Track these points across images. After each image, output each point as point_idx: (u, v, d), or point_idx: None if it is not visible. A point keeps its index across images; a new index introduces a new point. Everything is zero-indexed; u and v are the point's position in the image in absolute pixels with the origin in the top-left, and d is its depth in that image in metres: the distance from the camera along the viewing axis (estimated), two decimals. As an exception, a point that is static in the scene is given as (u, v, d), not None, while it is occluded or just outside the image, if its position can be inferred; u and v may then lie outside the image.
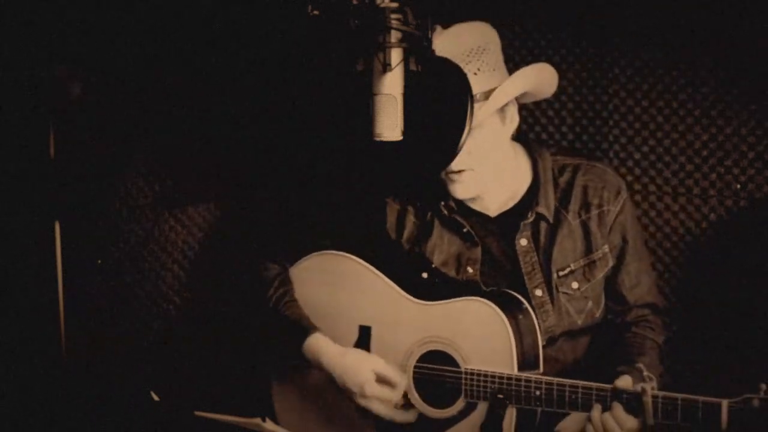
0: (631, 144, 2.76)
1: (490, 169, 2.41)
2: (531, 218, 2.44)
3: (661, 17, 2.68)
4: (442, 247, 2.50)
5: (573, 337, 2.47)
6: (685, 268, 2.67)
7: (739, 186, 2.67)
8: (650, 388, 2.12)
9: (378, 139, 2.16)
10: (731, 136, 2.67)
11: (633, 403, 2.15)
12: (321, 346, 2.46)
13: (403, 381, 2.41)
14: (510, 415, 2.31)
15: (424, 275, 2.50)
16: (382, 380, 2.40)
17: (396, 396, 2.40)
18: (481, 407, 2.34)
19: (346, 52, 2.16)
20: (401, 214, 2.55)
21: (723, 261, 2.69)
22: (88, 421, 2.98)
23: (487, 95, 2.32)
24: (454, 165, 2.36)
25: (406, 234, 2.53)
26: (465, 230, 2.48)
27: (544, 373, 2.31)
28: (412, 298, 2.45)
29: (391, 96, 2.13)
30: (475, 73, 2.31)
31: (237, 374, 3.03)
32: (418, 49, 2.13)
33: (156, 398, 2.26)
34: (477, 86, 2.30)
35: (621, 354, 2.42)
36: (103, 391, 3.01)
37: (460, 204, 2.50)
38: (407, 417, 2.43)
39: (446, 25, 2.40)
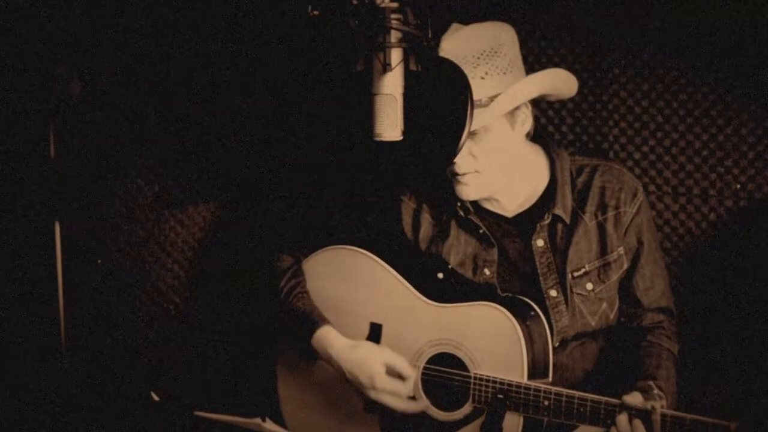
0: (631, 144, 2.76)
1: (498, 172, 2.40)
2: (548, 220, 2.43)
3: (661, 17, 2.68)
4: (458, 248, 2.49)
5: (585, 342, 2.46)
6: (685, 268, 2.67)
7: (739, 186, 2.67)
8: (660, 406, 2.13)
9: (378, 139, 2.16)
10: (731, 136, 2.67)
11: (641, 420, 2.15)
12: (330, 338, 2.45)
13: (414, 373, 2.41)
14: (517, 423, 2.31)
15: (440, 275, 2.49)
16: (392, 373, 2.40)
17: (407, 389, 2.39)
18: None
19: (346, 52, 2.16)
20: (416, 212, 2.54)
21: (723, 261, 2.69)
22: (88, 421, 2.98)
23: (493, 99, 2.30)
24: (459, 168, 2.35)
25: (422, 233, 2.53)
26: (481, 231, 2.47)
27: (555, 381, 2.31)
28: (425, 298, 2.45)
29: (391, 96, 2.13)
30: (483, 77, 2.30)
31: (237, 374, 3.04)
32: (418, 49, 2.13)
33: (156, 398, 2.26)
34: (483, 91, 2.29)
35: (638, 366, 2.40)
36: (103, 391, 3.01)
37: (476, 205, 2.49)
38: (418, 407, 2.41)
39: (465, 23, 2.39)
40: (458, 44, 2.32)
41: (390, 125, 2.14)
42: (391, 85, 2.12)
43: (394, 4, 2.08)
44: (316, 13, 2.12)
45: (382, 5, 2.08)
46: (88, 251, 3.00)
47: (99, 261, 3.01)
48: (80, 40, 2.86)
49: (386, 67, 2.09)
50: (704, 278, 2.68)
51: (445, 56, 2.29)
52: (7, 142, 2.88)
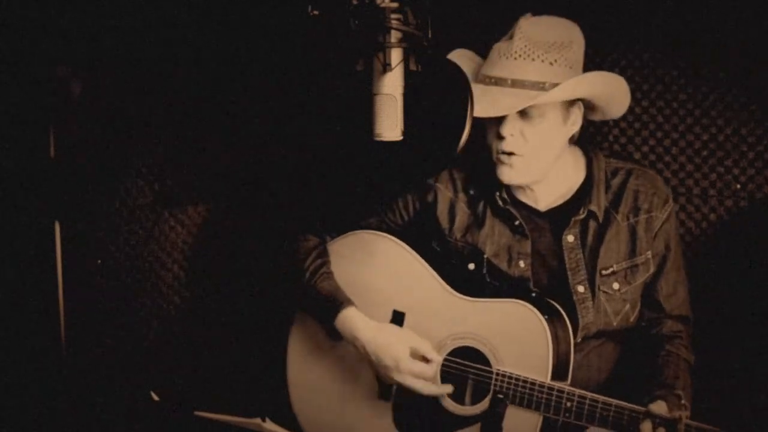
0: (631, 144, 2.76)
1: (540, 161, 2.42)
2: (582, 215, 2.45)
3: (661, 17, 2.68)
4: (493, 238, 2.50)
5: (604, 342, 2.47)
6: (684, 268, 2.66)
7: (739, 186, 2.67)
8: (685, 416, 2.14)
9: (378, 139, 2.16)
10: (731, 136, 2.67)
11: (665, 429, 2.15)
12: (356, 319, 2.45)
13: (438, 356, 2.41)
14: (536, 423, 2.32)
15: (471, 266, 2.50)
16: (416, 356, 2.40)
17: (431, 371, 2.40)
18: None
19: (346, 52, 2.16)
20: (453, 201, 2.55)
21: (723, 261, 2.69)
22: (89, 421, 2.98)
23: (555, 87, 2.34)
24: (507, 145, 2.38)
25: (457, 222, 2.53)
26: (517, 222, 2.48)
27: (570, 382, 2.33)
28: (453, 290, 2.46)
29: (391, 96, 2.13)
30: (552, 63, 2.33)
31: (237, 374, 3.04)
32: (418, 49, 2.13)
33: (156, 398, 2.26)
34: (549, 75, 2.33)
35: (656, 375, 2.41)
36: (103, 391, 3.01)
37: (511, 195, 2.51)
38: (440, 390, 2.42)
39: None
40: (537, 28, 2.36)
41: (390, 125, 2.14)
42: (391, 85, 2.13)
43: (394, 4, 2.08)
44: (316, 13, 2.12)
45: (382, 5, 2.08)
46: (88, 251, 3.00)
47: (99, 261, 3.01)
48: (80, 40, 2.86)
49: (386, 67, 2.10)
50: (704, 278, 2.68)
51: (521, 33, 2.34)
52: (7, 142, 2.87)
